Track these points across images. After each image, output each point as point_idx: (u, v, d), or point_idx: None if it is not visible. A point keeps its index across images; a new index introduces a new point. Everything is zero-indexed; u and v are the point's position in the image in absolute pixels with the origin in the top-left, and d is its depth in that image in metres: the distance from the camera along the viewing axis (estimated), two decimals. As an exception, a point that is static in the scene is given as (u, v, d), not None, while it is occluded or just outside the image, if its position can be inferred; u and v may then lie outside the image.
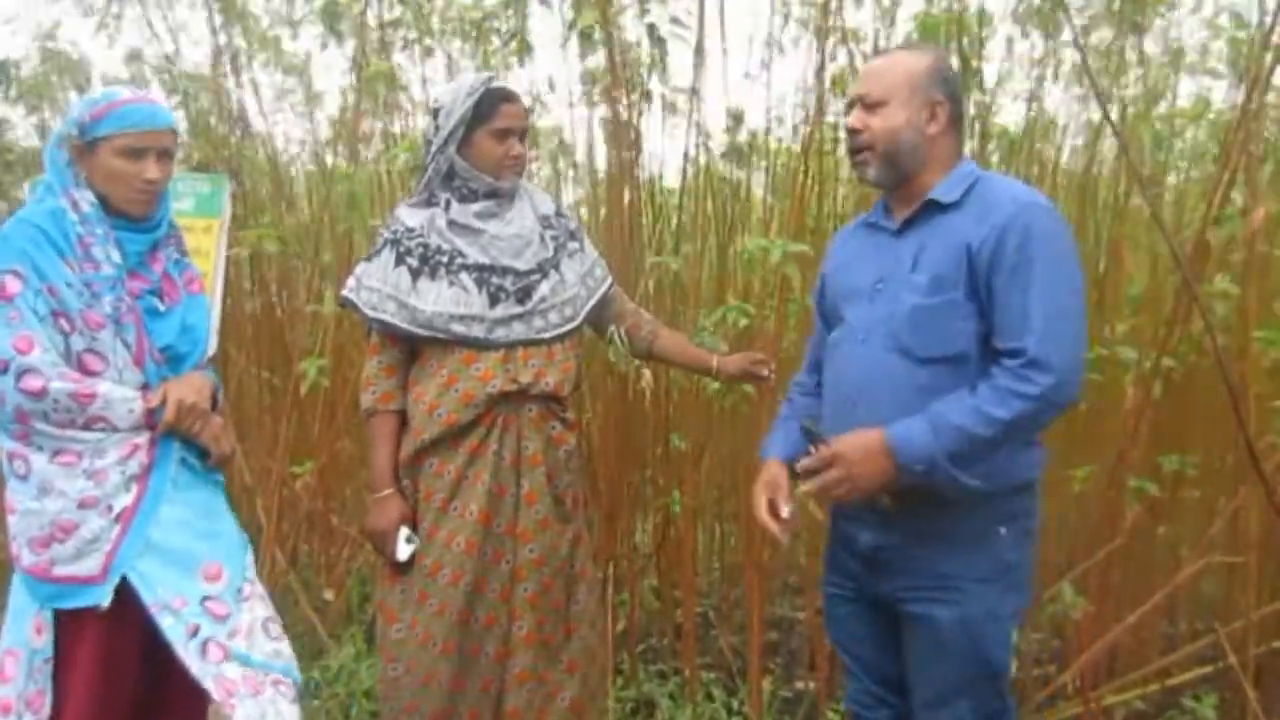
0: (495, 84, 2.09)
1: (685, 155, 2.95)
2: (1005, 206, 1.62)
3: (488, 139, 2.06)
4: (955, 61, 1.84)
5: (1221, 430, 2.82)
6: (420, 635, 2.03)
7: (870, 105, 1.71)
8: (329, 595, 3.29)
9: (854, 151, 1.74)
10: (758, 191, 3.61)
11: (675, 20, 2.59)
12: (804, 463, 1.66)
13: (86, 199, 1.78)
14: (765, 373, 2.21)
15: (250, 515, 3.65)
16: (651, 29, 2.57)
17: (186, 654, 1.75)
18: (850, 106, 1.76)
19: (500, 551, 2.06)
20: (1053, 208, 1.67)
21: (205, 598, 1.79)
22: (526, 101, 2.28)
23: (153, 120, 1.79)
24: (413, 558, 2.05)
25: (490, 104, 2.05)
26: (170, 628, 1.75)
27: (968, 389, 1.59)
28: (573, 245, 2.19)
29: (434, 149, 2.08)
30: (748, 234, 3.37)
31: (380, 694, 2.15)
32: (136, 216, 1.82)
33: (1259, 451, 2.17)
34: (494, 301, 2.04)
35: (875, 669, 1.85)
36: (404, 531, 2.04)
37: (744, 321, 2.39)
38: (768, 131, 3.17)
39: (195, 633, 1.75)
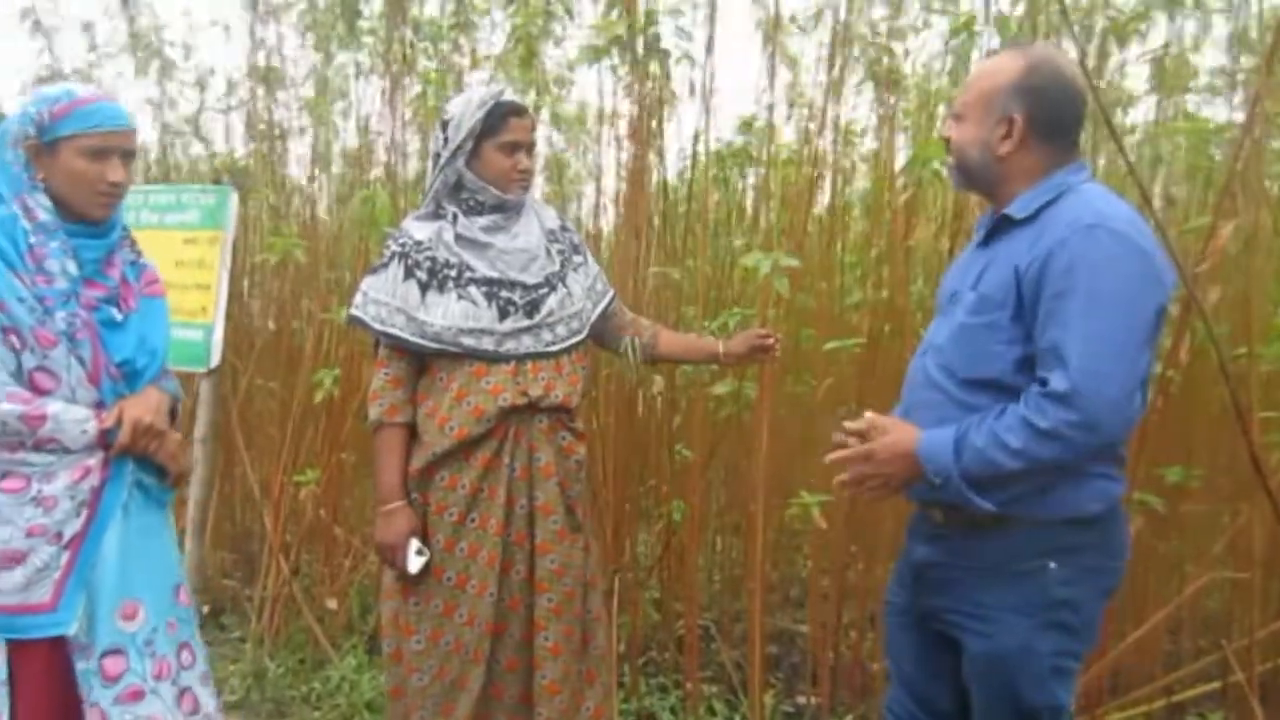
0: (505, 97, 2.11)
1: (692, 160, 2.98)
2: (1059, 227, 1.52)
3: (496, 152, 2.07)
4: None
5: (1225, 443, 2.80)
6: (451, 644, 2.05)
7: (957, 117, 1.68)
8: (331, 604, 3.29)
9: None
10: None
11: (681, 30, 2.62)
12: (833, 455, 1.65)
13: (42, 205, 1.69)
14: (771, 342, 2.21)
15: (255, 524, 3.67)
16: (656, 39, 2.60)
17: (85, 704, 1.71)
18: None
19: (510, 562, 2.07)
20: (1123, 231, 1.51)
21: (106, 651, 1.71)
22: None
23: (116, 120, 1.72)
24: (423, 569, 2.04)
25: (500, 117, 2.06)
26: (81, 673, 1.70)
27: (1000, 408, 1.54)
28: (577, 259, 2.21)
29: (442, 161, 2.09)
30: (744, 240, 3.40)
31: (393, 704, 2.15)
32: (97, 220, 1.74)
33: (1266, 467, 2.16)
34: (503, 315, 2.05)
35: (913, 684, 1.81)
36: (414, 544, 2.03)
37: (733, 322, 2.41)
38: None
39: (89, 693, 1.70)
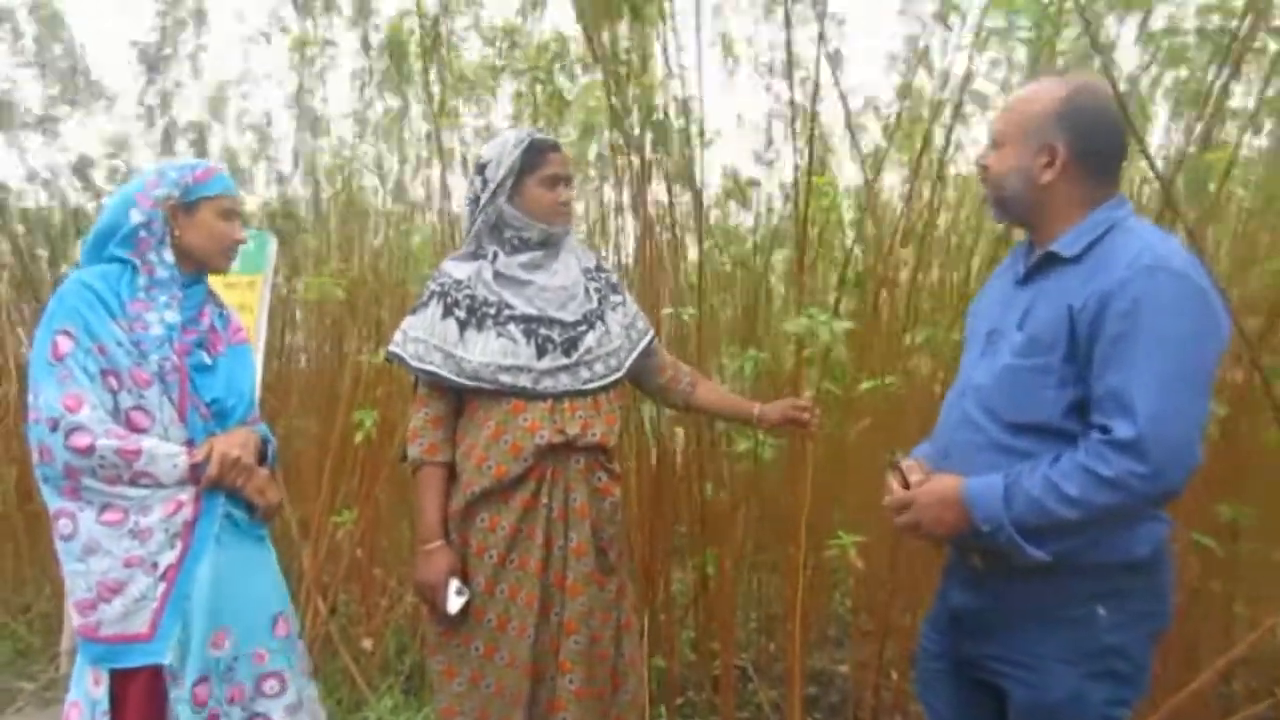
0: (538, 135, 2.15)
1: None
2: (1118, 268, 1.46)
3: (538, 186, 2.10)
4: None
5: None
6: (492, 687, 2.04)
7: (994, 144, 1.63)
8: (368, 644, 3.29)
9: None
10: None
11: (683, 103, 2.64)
12: (886, 500, 1.65)
13: (164, 261, 1.87)
14: (808, 417, 2.20)
15: (293, 562, 3.69)
16: (650, 112, 2.62)
17: None
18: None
19: (550, 604, 2.07)
20: (1183, 272, 1.45)
21: (197, 680, 1.81)
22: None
23: (235, 187, 2.00)
24: (463, 609, 2.03)
25: (538, 152, 2.10)
26: (174, 700, 1.80)
27: (1053, 455, 1.49)
28: (615, 298, 2.21)
29: (482, 202, 2.11)
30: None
31: None
32: (220, 271, 1.98)
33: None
34: (541, 353, 2.05)
35: None
36: (454, 583, 2.03)
37: (750, 366, 2.41)
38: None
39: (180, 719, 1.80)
